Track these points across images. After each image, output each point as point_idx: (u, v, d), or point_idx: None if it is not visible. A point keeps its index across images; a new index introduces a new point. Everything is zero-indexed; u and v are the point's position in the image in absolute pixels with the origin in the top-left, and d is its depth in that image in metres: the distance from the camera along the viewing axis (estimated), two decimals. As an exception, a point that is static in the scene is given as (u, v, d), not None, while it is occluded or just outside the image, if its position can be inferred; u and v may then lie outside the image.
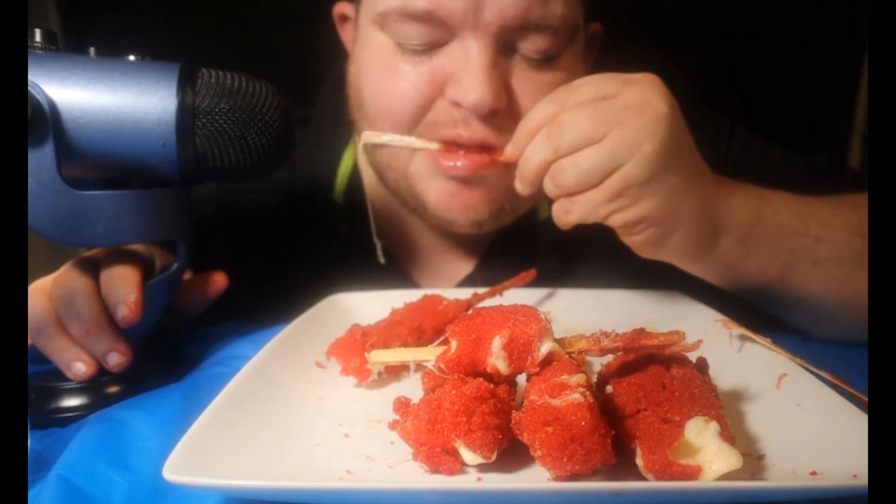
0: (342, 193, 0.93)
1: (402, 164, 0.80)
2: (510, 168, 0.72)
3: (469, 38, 0.71)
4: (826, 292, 0.74)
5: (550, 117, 0.65)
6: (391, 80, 0.76)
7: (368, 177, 0.93)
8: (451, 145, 0.75)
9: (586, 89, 0.65)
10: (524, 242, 0.89)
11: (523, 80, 0.75)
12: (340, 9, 0.90)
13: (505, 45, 0.73)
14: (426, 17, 0.71)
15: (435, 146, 0.75)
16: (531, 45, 0.73)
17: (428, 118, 0.76)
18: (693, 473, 0.40)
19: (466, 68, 0.71)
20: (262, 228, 0.96)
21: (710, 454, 0.41)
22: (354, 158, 0.95)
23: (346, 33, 0.90)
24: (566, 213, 0.66)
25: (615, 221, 0.65)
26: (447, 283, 0.92)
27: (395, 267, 0.92)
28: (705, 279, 0.74)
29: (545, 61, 0.75)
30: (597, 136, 0.62)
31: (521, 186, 0.69)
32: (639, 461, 0.42)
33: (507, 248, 0.90)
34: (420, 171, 0.79)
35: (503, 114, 0.74)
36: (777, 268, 0.72)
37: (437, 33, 0.72)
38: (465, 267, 0.93)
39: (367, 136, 0.78)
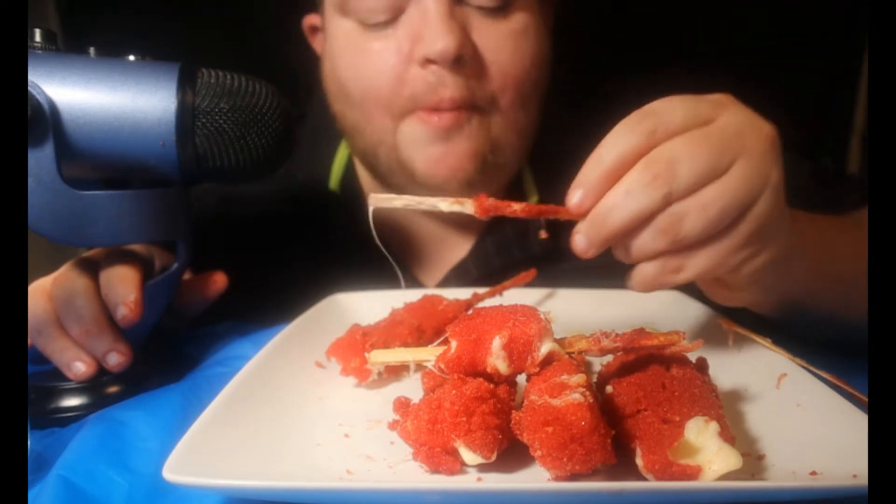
0: (338, 184, 0.96)
1: (388, 138, 0.82)
2: (487, 115, 0.75)
3: None
4: (851, 309, 0.67)
5: (637, 151, 0.50)
6: (363, 59, 0.79)
7: (362, 169, 0.96)
8: (434, 110, 0.77)
9: (676, 114, 0.51)
10: (515, 228, 0.91)
11: (482, 29, 0.77)
12: (310, 21, 0.94)
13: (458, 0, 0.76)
14: None
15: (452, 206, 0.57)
16: None
17: (406, 91, 0.78)
18: (693, 474, 0.40)
19: (427, 23, 0.74)
20: (261, 222, 0.97)
21: (710, 454, 0.41)
22: (349, 152, 0.97)
23: (317, 43, 0.94)
24: (674, 273, 0.52)
25: (745, 270, 0.53)
26: (440, 270, 0.94)
27: (391, 254, 0.93)
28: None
29: (499, 10, 0.78)
30: (719, 169, 0.50)
31: (589, 245, 0.53)
32: (639, 461, 0.42)
33: (498, 234, 0.91)
34: (406, 140, 0.81)
35: (472, 66, 0.76)
36: (806, 286, 0.64)
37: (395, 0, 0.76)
38: (458, 253, 0.94)
39: (376, 201, 0.61)
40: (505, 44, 0.77)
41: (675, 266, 0.52)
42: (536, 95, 0.84)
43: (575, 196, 0.53)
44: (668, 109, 0.52)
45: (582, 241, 0.53)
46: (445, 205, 0.54)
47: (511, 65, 0.79)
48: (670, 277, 0.52)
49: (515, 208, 0.54)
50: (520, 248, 0.90)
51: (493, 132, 0.79)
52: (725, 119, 0.52)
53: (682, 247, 0.51)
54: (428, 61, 0.76)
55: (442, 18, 0.74)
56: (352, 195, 0.96)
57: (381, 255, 0.92)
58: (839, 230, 0.72)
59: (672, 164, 0.49)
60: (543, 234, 0.58)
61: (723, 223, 0.50)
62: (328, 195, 0.97)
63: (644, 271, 0.53)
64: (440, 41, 0.73)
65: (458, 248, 0.94)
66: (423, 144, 0.80)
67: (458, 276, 0.92)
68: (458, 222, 0.93)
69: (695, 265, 0.52)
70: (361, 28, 0.79)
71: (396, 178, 0.86)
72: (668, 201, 0.49)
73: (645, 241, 0.51)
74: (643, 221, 0.50)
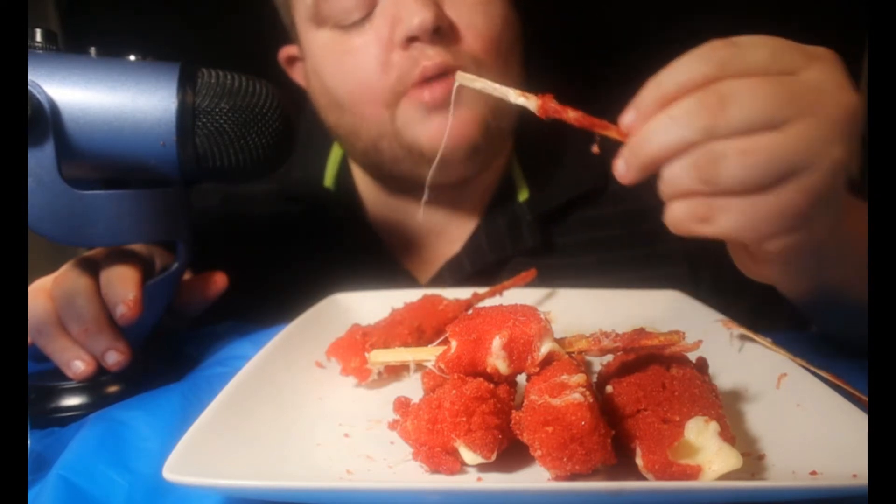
0: (333, 181, 0.97)
1: (388, 128, 0.83)
2: (483, 69, 0.77)
3: None
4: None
5: (701, 80, 0.45)
6: (348, 61, 0.82)
7: (357, 168, 0.98)
8: (423, 82, 0.79)
9: (758, 53, 0.46)
10: (507, 223, 0.92)
11: (456, 3, 0.80)
12: (286, 53, 0.96)
13: None
14: None
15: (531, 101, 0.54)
16: None
17: (393, 75, 0.80)
18: (693, 473, 0.40)
19: (402, 3, 0.77)
20: (258, 221, 0.99)
21: (710, 454, 0.41)
22: (343, 151, 0.99)
23: (296, 73, 0.96)
24: (702, 221, 0.47)
25: (776, 245, 0.48)
26: (434, 265, 0.95)
27: (386, 249, 0.96)
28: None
29: None
30: (776, 121, 0.44)
31: (627, 169, 0.48)
32: (639, 461, 0.42)
33: (491, 229, 0.93)
34: (405, 122, 0.82)
35: (450, 35, 0.79)
36: (845, 276, 0.60)
37: None
38: (452, 248, 0.95)
39: (462, 78, 0.57)
40: (475, 10, 0.80)
41: (703, 213, 0.47)
42: (515, 57, 0.87)
43: (627, 116, 0.48)
44: (751, 46, 0.46)
45: (621, 165, 0.49)
46: (513, 95, 0.54)
47: (485, 27, 0.81)
48: (696, 226, 0.47)
49: (571, 115, 0.51)
50: (512, 243, 0.92)
51: (488, 97, 0.80)
52: (810, 73, 0.46)
53: (714, 191, 0.46)
54: (409, 40, 0.78)
55: None
56: (347, 192, 0.97)
57: (376, 249, 0.94)
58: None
59: (726, 99, 0.44)
60: (595, 150, 0.55)
61: (763, 179, 0.44)
62: (323, 192, 0.98)
63: (672, 210, 0.48)
64: (417, 16, 0.76)
65: (452, 243, 0.95)
66: (423, 120, 0.82)
67: (452, 270, 0.93)
68: (453, 216, 0.95)
69: (723, 221, 0.46)
70: (339, 32, 0.82)
71: (402, 164, 0.86)
72: (708, 136, 0.44)
73: (676, 173, 0.46)
74: (680, 153, 0.46)
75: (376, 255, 0.95)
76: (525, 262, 0.89)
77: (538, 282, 0.78)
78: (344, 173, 0.98)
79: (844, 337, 0.67)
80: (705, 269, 0.93)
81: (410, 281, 0.94)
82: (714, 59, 0.46)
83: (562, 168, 0.94)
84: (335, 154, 0.99)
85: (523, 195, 0.94)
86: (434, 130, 0.81)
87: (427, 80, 0.79)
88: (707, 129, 0.44)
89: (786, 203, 0.45)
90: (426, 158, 0.83)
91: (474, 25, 0.81)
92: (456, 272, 0.93)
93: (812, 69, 0.46)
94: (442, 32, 0.78)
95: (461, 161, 0.84)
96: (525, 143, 0.95)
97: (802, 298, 0.64)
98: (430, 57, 0.78)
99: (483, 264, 0.92)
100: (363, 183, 0.98)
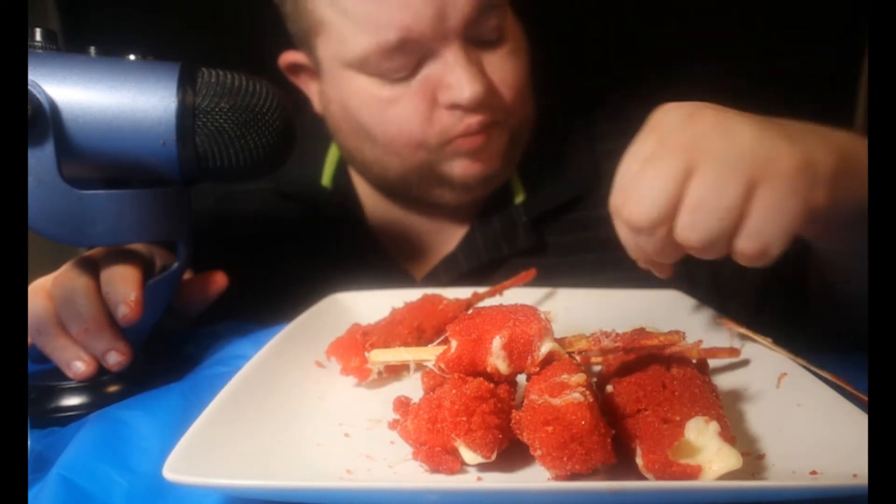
0: (331, 180, 0.99)
1: (424, 165, 0.87)
2: (506, 122, 0.85)
3: (442, 44, 0.79)
4: None
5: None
6: (390, 110, 0.83)
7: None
8: (465, 135, 0.84)
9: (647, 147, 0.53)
10: (503, 224, 0.96)
11: (489, 60, 0.83)
12: (288, 58, 0.94)
13: (468, 39, 0.81)
14: (402, 46, 0.78)
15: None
16: (487, 27, 0.81)
17: (436, 129, 0.83)
18: (693, 473, 0.40)
19: (453, 73, 0.79)
20: (256, 219, 1.00)
21: (710, 454, 0.41)
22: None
23: (301, 81, 0.95)
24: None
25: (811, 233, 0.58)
26: (430, 263, 0.97)
27: (382, 247, 0.98)
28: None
29: (498, 39, 0.84)
30: (741, 196, 0.50)
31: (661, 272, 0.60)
32: (639, 461, 0.42)
33: (487, 228, 0.96)
34: (442, 160, 0.86)
35: (490, 99, 0.82)
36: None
37: (415, 54, 0.80)
38: (448, 246, 0.97)
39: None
40: (506, 66, 0.84)
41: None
42: (531, 94, 0.92)
43: (640, 263, 0.59)
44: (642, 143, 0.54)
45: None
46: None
47: (515, 81, 0.86)
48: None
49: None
50: (508, 243, 0.95)
51: (511, 131, 0.88)
52: (688, 133, 0.51)
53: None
54: (456, 106, 0.81)
55: (464, 67, 0.79)
56: (344, 191, 0.99)
57: (372, 247, 0.95)
58: None
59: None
60: None
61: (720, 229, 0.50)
62: (321, 191, 0.99)
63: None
64: (468, 89, 0.79)
65: (448, 242, 0.97)
66: (462, 160, 0.86)
67: (448, 267, 0.95)
68: (448, 214, 0.97)
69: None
70: (380, 81, 0.82)
71: (427, 190, 0.91)
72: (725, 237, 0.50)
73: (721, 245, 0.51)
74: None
75: (372, 252, 0.97)
76: (520, 262, 0.92)
77: (534, 281, 0.79)
78: (341, 173, 1.00)
79: (849, 313, 0.70)
80: (702, 267, 0.93)
81: (406, 277, 0.96)
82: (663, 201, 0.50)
83: (556, 172, 0.98)
84: (333, 153, 1.00)
85: (519, 198, 0.97)
86: (466, 165, 0.87)
87: (470, 134, 0.83)
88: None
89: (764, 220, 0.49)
90: (453, 186, 0.89)
91: (506, 80, 0.84)
92: (451, 270, 0.95)
93: (687, 129, 0.51)
94: (486, 98, 0.81)
95: (482, 186, 0.90)
96: (523, 153, 0.98)
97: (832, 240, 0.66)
98: (476, 115, 0.82)
99: (478, 263, 0.94)
100: (360, 183, 0.99)
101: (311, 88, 0.95)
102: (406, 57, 0.80)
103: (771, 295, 0.89)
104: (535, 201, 0.96)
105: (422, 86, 0.81)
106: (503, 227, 0.95)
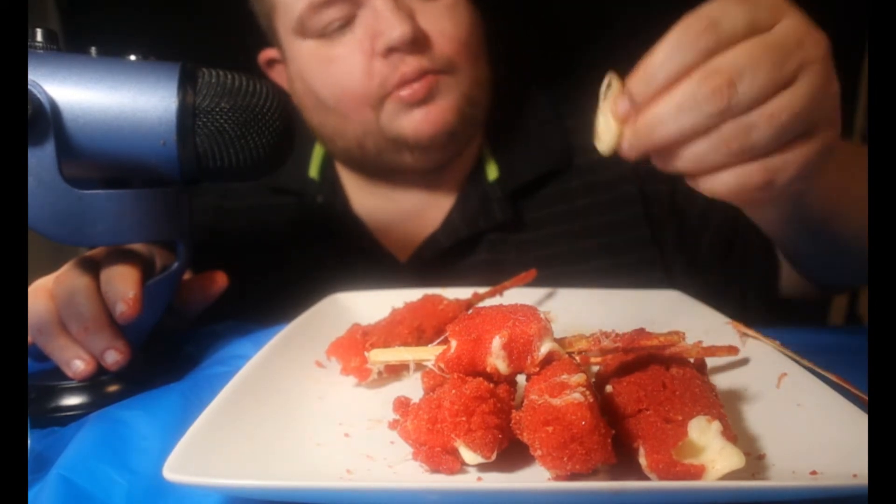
0: (318, 172, 1.04)
1: (373, 126, 0.91)
2: (452, 76, 0.89)
3: None
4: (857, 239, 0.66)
5: (692, 64, 0.48)
6: (333, 68, 0.89)
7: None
8: (403, 84, 0.87)
9: (736, 20, 0.48)
10: (479, 201, 1.00)
11: (423, 13, 0.88)
12: (266, 56, 1.02)
13: None
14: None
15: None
16: None
17: (375, 81, 0.87)
18: (697, 473, 0.40)
19: (381, 17, 0.85)
20: (249, 214, 1.05)
21: (713, 453, 0.40)
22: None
23: (276, 74, 1.02)
24: (766, 185, 0.50)
25: (793, 185, 0.51)
26: (414, 244, 1.01)
27: (367, 232, 1.02)
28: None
29: None
30: (786, 79, 0.48)
31: (632, 152, 0.52)
32: (642, 461, 0.42)
33: (465, 207, 1.00)
34: (389, 118, 0.90)
35: (424, 44, 0.87)
36: (830, 200, 0.65)
37: (347, 5, 0.86)
38: (430, 227, 1.01)
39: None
40: (443, 18, 0.89)
41: (761, 179, 0.50)
42: (482, 54, 0.96)
43: (622, 107, 0.51)
44: (726, 16, 0.48)
45: (625, 146, 0.52)
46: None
47: (454, 32, 0.90)
48: (758, 192, 0.51)
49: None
50: (484, 218, 0.99)
51: (462, 88, 0.91)
52: (785, 24, 0.49)
53: (750, 157, 0.49)
54: (389, 50, 0.85)
55: (392, 11, 0.84)
56: (330, 181, 1.04)
57: (359, 233, 0.98)
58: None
59: (732, 79, 0.47)
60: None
61: (792, 132, 0.49)
62: (310, 183, 1.03)
63: (722, 181, 0.50)
64: (396, 30, 0.84)
65: (430, 224, 1.01)
66: (406, 114, 0.89)
67: (430, 247, 1.00)
68: (430, 198, 1.01)
69: (754, 175, 0.50)
70: (322, 41, 0.89)
71: (386, 155, 0.93)
72: (725, 117, 0.48)
73: (704, 152, 0.49)
74: (698, 135, 0.49)
75: (358, 238, 1.01)
76: (497, 236, 0.99)
77: (513, 257, 0.82)
78: (327, 164, 1.05)
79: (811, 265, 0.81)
80: (668, 215, 1.01)
81: (391, 260, 1.00)
82: (697, 40, 0.48)
83: (528, 147, 1.03)
84: (319, 146, 1.05)
85: (493, 174, 1.01)
86: (417, 120, 0.90)
87: (406, 82, 0.87)
88: (723, 110, 0.47)
89: (813, 149, 0.49)
90: (409, 147, 0.92)
91: (444, 31, 0.89)
92: (433, 249, 0.99)
93: (783, 20, 0.49)
94: (417, 42, 0.86)
95: (441, 147, 0.92)
96: (494, 126, 1.02)
97: (785, 229, 0.74)
98: (409, 63, 0.86)
99: (457, 239, 0.99)
100: (345, 173, 1.04)
101: (283, 78, 1.00)
102: (335, 8, 0.86)
103: (737, 280, 0.96)
104: (509, 177, 1.00)
105: (357, 39, 0.87)
106: (479, 204, 0.99)
